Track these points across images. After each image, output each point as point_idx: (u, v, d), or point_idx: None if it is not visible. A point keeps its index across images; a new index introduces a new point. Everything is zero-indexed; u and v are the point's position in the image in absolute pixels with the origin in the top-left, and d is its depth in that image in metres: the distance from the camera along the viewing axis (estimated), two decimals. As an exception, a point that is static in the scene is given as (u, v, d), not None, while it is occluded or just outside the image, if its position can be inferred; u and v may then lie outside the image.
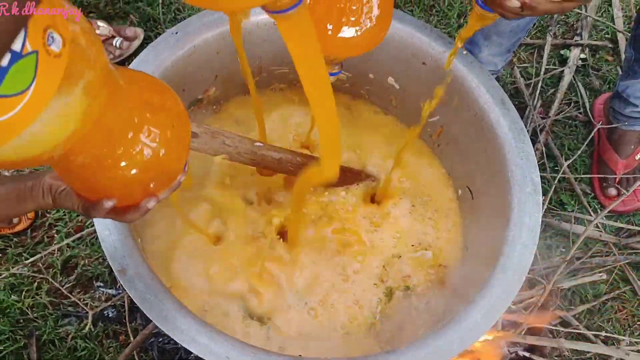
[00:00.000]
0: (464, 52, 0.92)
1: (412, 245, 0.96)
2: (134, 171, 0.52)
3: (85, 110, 0.43)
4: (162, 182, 0.57)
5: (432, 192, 1.02)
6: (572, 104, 1.56)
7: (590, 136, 1.24)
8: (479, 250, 0.89)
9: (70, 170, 0.52)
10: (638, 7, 1.21)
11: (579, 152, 1.31)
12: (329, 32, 0.65)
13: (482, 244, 0.89)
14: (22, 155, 0.41)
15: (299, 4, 0.52)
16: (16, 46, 0.34)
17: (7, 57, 0.33)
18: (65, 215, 1.34)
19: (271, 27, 0.94)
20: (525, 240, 0.78)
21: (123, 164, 0.51)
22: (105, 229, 0.72)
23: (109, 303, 1.23)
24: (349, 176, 1.03)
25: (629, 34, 1.40)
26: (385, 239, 0.97)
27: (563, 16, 1.71)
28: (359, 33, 0.65)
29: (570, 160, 1.36)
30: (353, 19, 0.64)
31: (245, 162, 0.94)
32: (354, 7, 0.63)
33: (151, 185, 0.56)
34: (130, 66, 0.89)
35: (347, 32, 0.65)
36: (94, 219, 0.74)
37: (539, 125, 1.48)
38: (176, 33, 0.87)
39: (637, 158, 1.43)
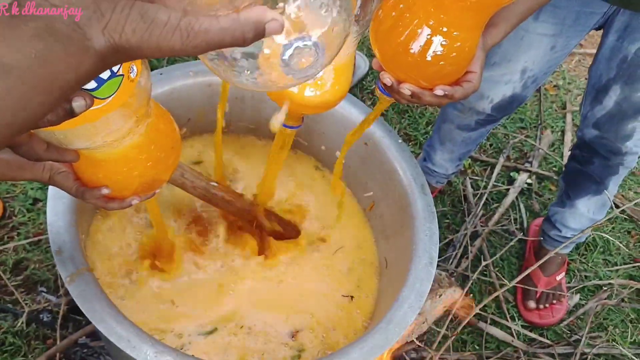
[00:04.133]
0: (399, 141, 1.08)
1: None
2: (138, 174, 0.69)
3: (133, 121, 0.62)
4: (150, 187, 0.73)
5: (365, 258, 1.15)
6: (512, 220, 1.71)
7: (512, 243, 1.35)
8: (380, 310, 1.00)
9: (90, 163, 0.67)
10: (571, 146, 1.39)
11: (502, 252, 1.42)
12: (296, 93, 0.78)
13: (384, 308, 1.00)
14: (81, 139, 0.59)
15: (299, 127, 0.83)
16: (114, 69, 0.52)
17: (107, 74, 0.52)
18: (29, 221, 1.44)
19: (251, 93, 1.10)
20: (412, 302, 0.89)
21: (135, 171, 0.68)
22: (54, 214, 0.84)
23: (47, 307, 1.30)
24: (288, 230, 1.16)
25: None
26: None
27: (519, 144, 1.91)
28: (317, 93, 0.79)
29: (492, 259, 1.48)
30: (314, 84, 0.78)
31: (198, 196, 1.07)
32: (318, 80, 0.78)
33: (141, 188, 0.72)
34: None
35: (308, 92, 0.79)
36: (48, 206, 0.85)
37: (476, 231, 1.62)
38: (161, 74, 1.03)
39: (557, 278, 1.56)
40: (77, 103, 0.42)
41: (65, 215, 0.84)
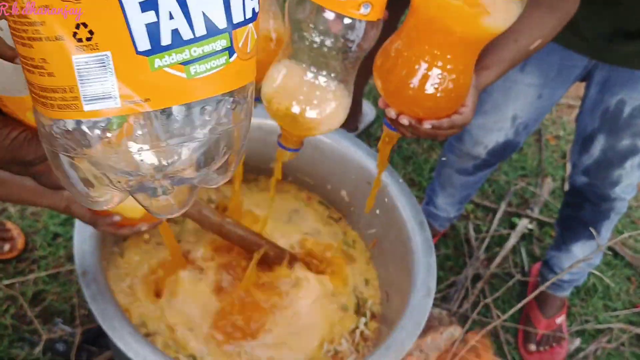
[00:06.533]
0: (400, 181, 1.16)
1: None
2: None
3: None
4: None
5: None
6: (513, 264, 1.76)
7: (510, 283, 1.40)
8: (381, 339, 1.05)
9: None
10: (564, 192, 1.46)
11: (501, 292, 1.46)
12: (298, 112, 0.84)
13: (383, 337, 1.06)
14: None
15: (298, 150, 0.87)
16: None
17: None
18: (49, 254, 1.52)
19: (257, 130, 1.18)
20: (410, 329, 0.95)
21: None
22: (81, 240, 0.92)
23: (63, 336, 1.36)
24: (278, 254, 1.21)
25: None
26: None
27: (520, 191, 1.98)
28: (319, 116, 0.84)
29: (492, 297, 1.53)
30: (315, 104, 0.83)
31: (213, 231, 1.14)
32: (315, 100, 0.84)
33: (148, 215, 0.76)
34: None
35: (310, 113, 0.83)
36: (75, 230, 0.93)
37: (478, 274, 1.67)
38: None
39: (557, 321, 1.59)
40: None
41: (91, 241, 0.92)
